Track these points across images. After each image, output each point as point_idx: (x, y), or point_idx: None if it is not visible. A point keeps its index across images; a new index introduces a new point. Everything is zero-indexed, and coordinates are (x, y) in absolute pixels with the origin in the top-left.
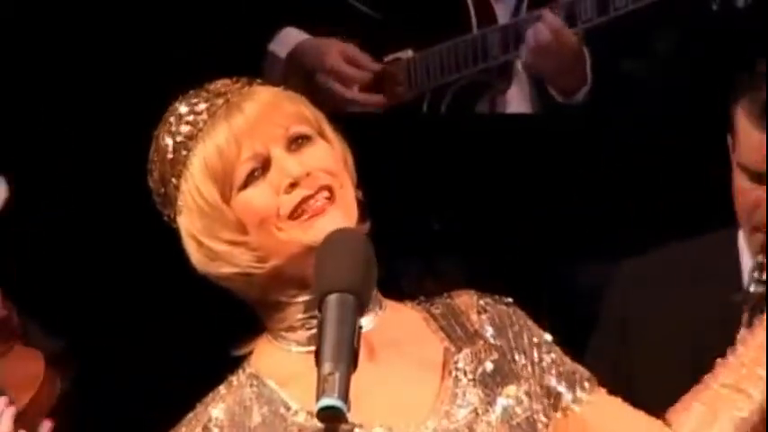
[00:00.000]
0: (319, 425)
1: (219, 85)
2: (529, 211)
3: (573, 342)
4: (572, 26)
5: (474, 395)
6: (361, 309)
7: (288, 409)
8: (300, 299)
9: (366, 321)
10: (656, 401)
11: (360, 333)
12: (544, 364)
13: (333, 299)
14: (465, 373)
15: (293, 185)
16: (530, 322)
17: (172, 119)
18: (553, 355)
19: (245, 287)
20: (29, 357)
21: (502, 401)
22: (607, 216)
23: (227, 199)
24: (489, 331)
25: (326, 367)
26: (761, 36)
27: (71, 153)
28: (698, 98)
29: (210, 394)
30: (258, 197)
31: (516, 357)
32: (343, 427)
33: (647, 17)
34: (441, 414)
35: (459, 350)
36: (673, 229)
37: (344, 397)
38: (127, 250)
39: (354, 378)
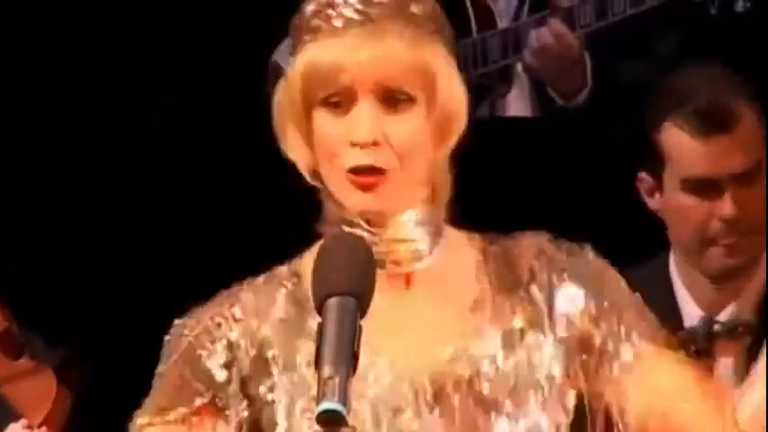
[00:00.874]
0: None
1: (376, 4)
2: (528, 214)
3: None
4: (571, 31)
5: (495, 343)
6: (362, 311)
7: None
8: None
9: (422, 264)
10: None
11: (360, 336)
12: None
13: (333, 302)
14: (493, 323)
15: (354, 145)
16: (604, 275)
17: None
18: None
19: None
20: (39, 375)
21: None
22: (608, 219)
23: (308, 105)
24: (538, 280)
25: (326, 371)
26: (760, 39)
27: (71, 153)
28: None
29: (249, 279)
30: (330, 131)
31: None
32: (344, 430)
33: (646, 21)
34: (460, 345)
35: (495, 298)
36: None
37: (344, 401)
38: (124, 253)
39: (381, 309)
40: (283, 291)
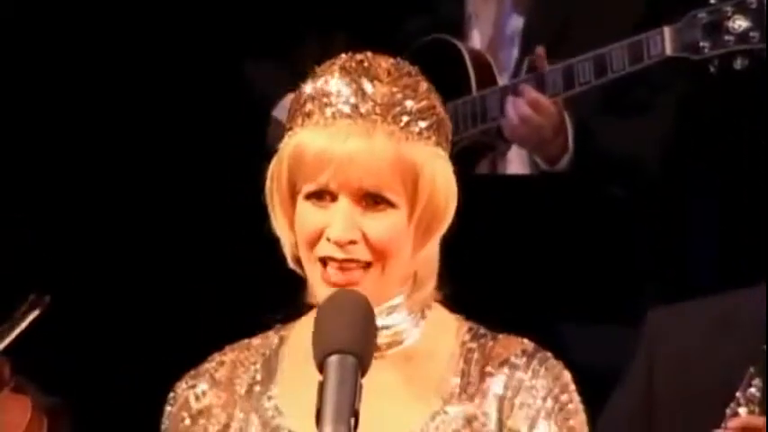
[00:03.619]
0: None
1: (369, 99)
2: (530, 272)
3: None
4: (570, 88)
5: None
6: (363, 368)
7: (269, 388)
8: None
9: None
10: None
11: (360, 393)
12: None
13: (333, 360)
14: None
15: (329, 240)
16: (559, 401)
17: (319, 85)
18: None
19: None
20: (15, 402)
21: None
22: (611, 278)
23: (292, 193)
24: (495, 391)
25: (327, 430)
26: (760, 99)
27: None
28: (697, 157)
29: (244, 341)
30: (310, 221)
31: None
32: None
33: (646, 79)
34: None
35: (448, 402)
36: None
37: None
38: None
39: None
40: (261, 360)
